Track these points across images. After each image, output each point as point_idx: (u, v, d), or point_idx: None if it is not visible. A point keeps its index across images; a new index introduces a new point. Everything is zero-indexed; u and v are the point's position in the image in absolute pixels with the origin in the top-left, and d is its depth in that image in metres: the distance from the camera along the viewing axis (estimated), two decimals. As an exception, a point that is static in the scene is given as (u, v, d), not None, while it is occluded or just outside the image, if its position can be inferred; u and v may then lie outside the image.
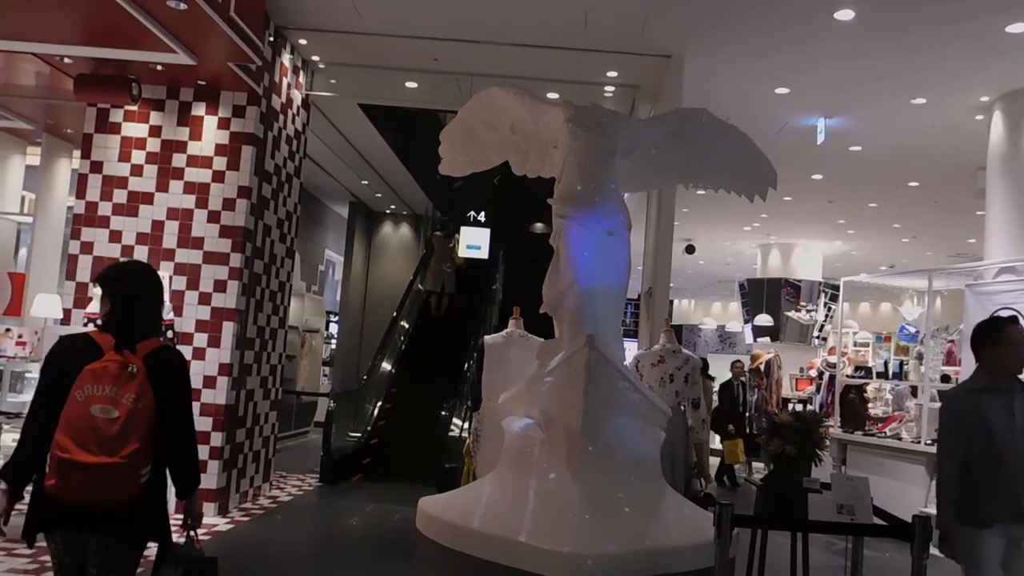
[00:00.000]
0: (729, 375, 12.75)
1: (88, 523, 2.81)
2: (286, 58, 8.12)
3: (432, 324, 13.07)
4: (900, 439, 8.62)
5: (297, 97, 8.55)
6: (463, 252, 13.92)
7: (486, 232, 14.24)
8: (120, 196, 7.37)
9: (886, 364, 12.52)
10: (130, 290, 3.08)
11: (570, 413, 4.51)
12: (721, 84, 8.47)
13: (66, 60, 6.76)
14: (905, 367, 11.72)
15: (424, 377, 11.53)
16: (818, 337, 16.87)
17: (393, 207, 16.33)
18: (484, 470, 5.51)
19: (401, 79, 8.92)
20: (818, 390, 12.85)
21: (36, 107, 8.31)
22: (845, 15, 6.79)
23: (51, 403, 2.83)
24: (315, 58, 8.63)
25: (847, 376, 10.67)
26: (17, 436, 6.62)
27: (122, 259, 7.18)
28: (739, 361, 11.96)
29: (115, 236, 7.34)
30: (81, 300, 7.19)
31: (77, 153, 8.54)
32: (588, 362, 4.47)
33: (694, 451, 6.29)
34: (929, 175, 11.33)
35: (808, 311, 16.79)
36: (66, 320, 7.24)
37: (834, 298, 16.67)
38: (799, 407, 12.67)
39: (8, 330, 6.84)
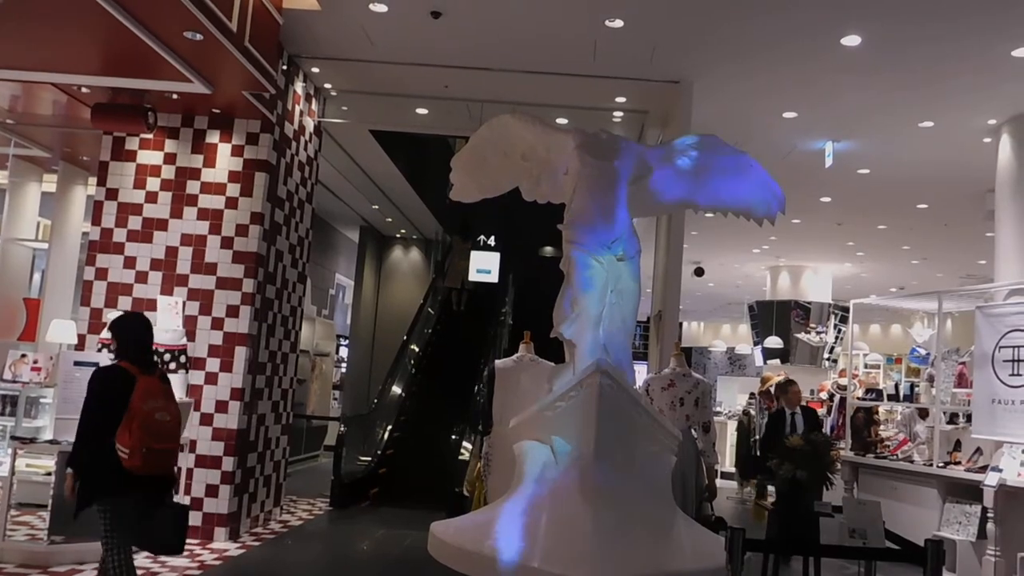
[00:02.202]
0: (744, 401, 12.58)
1: (153, 486, 4.25)
2: (299, 86, 8.24)
3: (443, 346, 13.12)
4: (912, 462, 8.58)
5: (309, 124, 8.66)
6: (473, 276, 14.02)
7: (496, 256, 14.32)
8: (135, 223, 7.47)
9: (897, 386, 12.47)
10: (141, 333, 4.44)
11: (582, 438, 4.53)
12: (729, 109, 8.54)
13: (83, 89, 6.87)
14: (916, 389, 11.67)
15: (434, 401, 11.55)
16: (828, 359, 16.83)
17: (403, 231, 16.42)
18: (495, 495, 5.51)
19: (412, 106, 9.03)
20: (829, 412, 12.80)
21: (53, 135, 8.44)
22: (852, 40, 6.86)
23: (108, 412, 4.15)
24: (327, 86, 8.75)
25: (858, 399, 10.62)
26: (31, 461, 6.69)
27: (135, 284, 7.30)
28: (794, 382, 8.29)
29: (130, 262, 7.43)
30: (96, 326, 7.26)
31: (92, 180, 8.65)
32: (599, 386, 4.49)
33: (705, 475, 6.26)
34: (938, 197, 11.36)
35: (818, 333, 16.75)
36: (80, 346, 7.30)
37: (844, 320, 16.65)
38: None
39: (24, 356, 6.90)
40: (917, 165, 9.99)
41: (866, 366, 15.89)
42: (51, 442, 6.32)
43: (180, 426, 4.34)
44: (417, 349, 13.09)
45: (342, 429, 10.29)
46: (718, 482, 7.01)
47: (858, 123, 8.82)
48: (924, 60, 7.16)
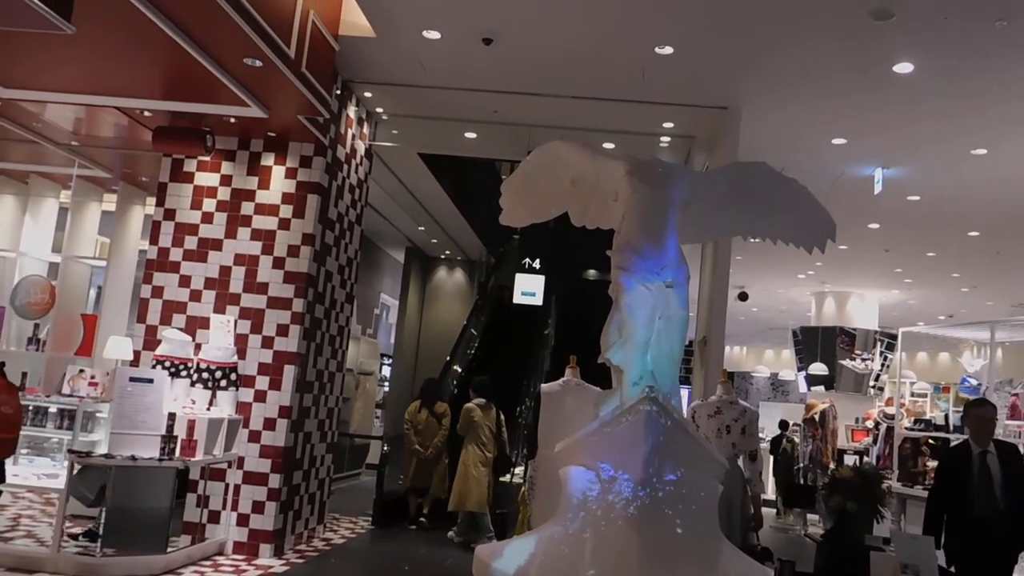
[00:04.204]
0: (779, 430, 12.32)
1: None
2: (351, 110, 8.40)
3: (486, 368, 13.14)
4: (963, 496, 8.38)
5: (361, 147, 8.82)
6: (518, 299, 14.08)
7: (540, 279, 14.37)
8: (191, 242, 7.66)
9: (947, 417, 12.23)
10: None
11: (629, 464, 4.53)
12: (777, 135, 8.52)
13: (146, 113, 7.09)
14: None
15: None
16: (874, 387, 16.54)
17: (448, 252, 16.56)
18: (539, 519, 5.52)
19: (461, 130, 9.15)
20: (875, 441, 12.58)
21: (114, 156, 8.69)
22: (904, 68, 6.81)
23: None
24: (379, 110, 8.91)
25: (906, 428, 10.44)
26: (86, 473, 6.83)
27: (188, 302, 7.51)
28: (987, 404, 5.73)
29: (184, 281, 7.61)
30: (151, 342, 7.44)
31: (151, 200, 8.90)
32: (647, 413, 4.50)
33: (751, 504, 6.20)
34: (990, 224, 11.17)
35: (864, 360, 16.49)
36: (136, 362, 7.48)
37: (890, 347, 16.37)
38: (855, 459, 12.42)
39: (82, 371, 7.10)
40: (969, 192, 9.84)
41: (913, 395, 15.60)
42: (106, 456, 6.49)
43: (20, 417, 5.28)
44: (460, 370, 13.13)
45: (385, 448, 10.36)
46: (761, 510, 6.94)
47: (909, 150, 8.73)
48: (978, 87, 7.08)
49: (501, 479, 9.93)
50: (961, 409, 12.24)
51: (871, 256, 13.51)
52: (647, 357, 5.02)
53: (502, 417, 9.16)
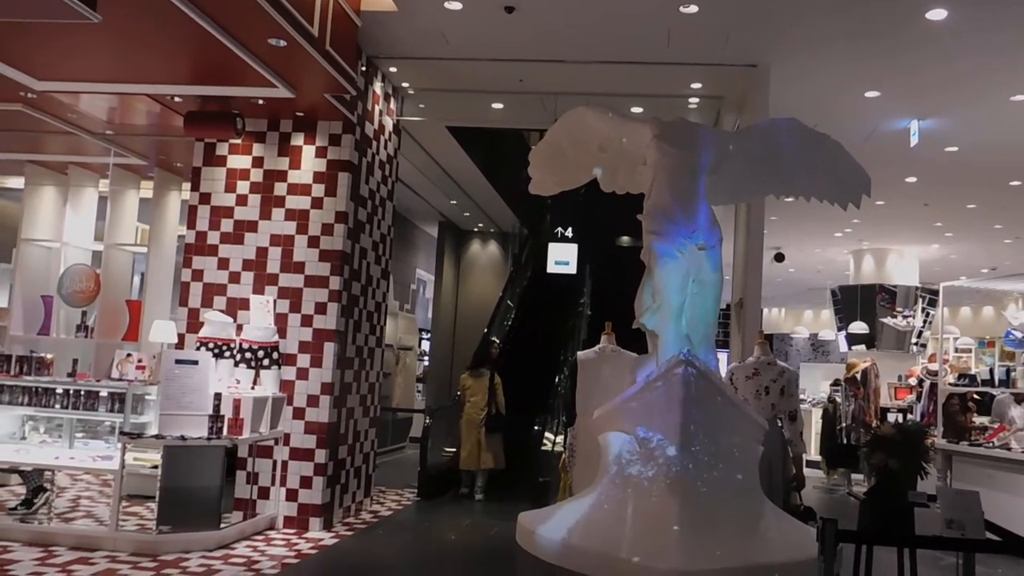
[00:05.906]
0: (827, 386, 12.31)
1: None
2: (377, 86, 8.42)
3: (523, 338, 13.21)
4: (1009, 449, 8.30)
5: (389, 123, 8.85)
6: (551, 268, 14.06)
7: (573, 248, 14.33)
8: (227, 225, 7.77)
9: (992, 371, 12.04)
10: None
11: (667, 428, 4.56)
12: (808, 91, 8.37)
13: (176, 99, 7.18)
14: (1012, 374, 11.24)
15: (515, 392, 11.64)
16: (916, 344, 16.31)
17: (481, 225, 16.59)
18: (580, 485, 5.58)
19: (487, 101, 9.13)
20: (918, 399, 12.44)
21: (148, 144, 8.82)
22: (937, 14, 6.64)
23: None
24: (405, 84, 8.92)
25: (950, 384, 10.29)
26: (139, 455, 7.05)
27: (228, 284, 7.68)
28: None
29: (223, 263, 7.74)
30: (194, 325, 7.60)
31: (186, 185, 9.03)
32: (684, 377, 4.52)
33: (792, 464, 6.20)
34: (1032, 173, 10.90)
35: (905, 317, 16.25)
36: (180, 344, 7.65)
37: (932, 303, 16.11)
38: (899, 417, 12.30)
39: (129, 355, 7.27)
40: (1009, 140, 9.59)
41: (956, 350, 15.36)
42: (157, 437, 6.66)
43: None
44: (497, 341, 13.20)
45: (427, 421, 10.49)
46: (804, 471, 6.93)
47: (945, 99, 8.52)
48: (1014, 31, 6.88)
49: (541, 445, 10.04)
50: (1006, 363, 12.06)
51: (909, 211, 13.27)
52: (682, 321, 5.03)
53: (496, 380, 9.86)
